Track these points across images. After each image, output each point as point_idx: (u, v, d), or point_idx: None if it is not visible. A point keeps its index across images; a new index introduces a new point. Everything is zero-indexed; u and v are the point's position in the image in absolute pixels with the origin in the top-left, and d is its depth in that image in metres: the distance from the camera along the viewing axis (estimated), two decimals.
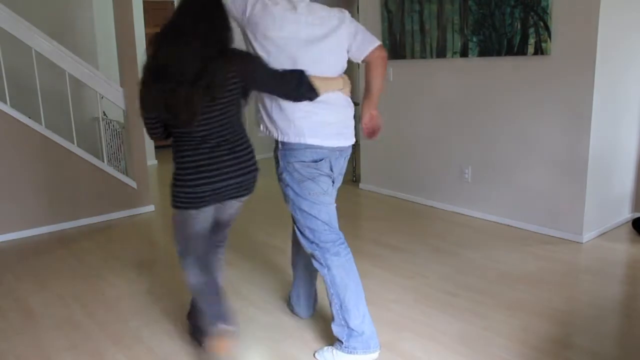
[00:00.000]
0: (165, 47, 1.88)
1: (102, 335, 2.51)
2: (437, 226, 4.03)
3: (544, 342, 2.36)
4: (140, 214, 4.52)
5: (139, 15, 6.28)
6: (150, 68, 1.91)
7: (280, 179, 2.25)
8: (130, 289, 3.03)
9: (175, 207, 2.03)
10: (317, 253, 2.19)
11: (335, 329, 2.22)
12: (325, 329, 2.52)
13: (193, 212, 2.02)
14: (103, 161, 4.44)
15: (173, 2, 7.68)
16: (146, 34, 6.58)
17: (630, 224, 3.88)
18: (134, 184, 4.50)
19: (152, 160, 6.70)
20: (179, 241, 2.15)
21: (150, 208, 4.60)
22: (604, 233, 3.74)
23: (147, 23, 6.68)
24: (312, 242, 2.21)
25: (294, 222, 2.26)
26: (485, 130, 4.03)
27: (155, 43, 1.90)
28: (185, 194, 1.97)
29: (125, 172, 4.66)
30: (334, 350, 2.24)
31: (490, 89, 3.94)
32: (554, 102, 3.57)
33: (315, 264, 2.23)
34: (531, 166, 3.77)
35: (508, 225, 3.95)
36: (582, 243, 3.55)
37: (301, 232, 2.23)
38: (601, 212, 3.69)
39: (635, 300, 2.79)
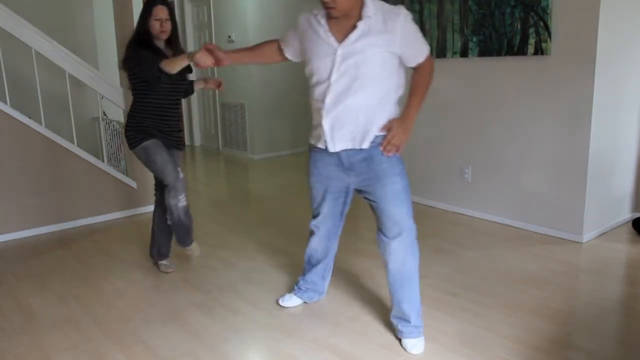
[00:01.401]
0: None
1: (102, 335, 2.51)
2: (437, 226, 4.03)
3: (544, 342, 2.36)
4: (140, 214, 4.52)
5: (139, 16, 6.27)
6: None
7: (397, 172, 2.26)
8: (130, 289, 3.03)
9: None
10: (415, 229, 2.31)
11: (416, 316, 2.34)
12: (325, 329, 2.52)
13: None
14: (103, 161, 4.44)
15: (173, 2, 7.69)
16: None
17: (630, 224, 3.88)
18: (134, 184, 4.50)
19: None
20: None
21: (150, 208, 4.58)
22: (604, 233, 3.74)
23: None
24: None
25: (404, 207, 2.26)
26: (485, 130, 4.03)
27: None
28: None
29: (125, 172, 4.66)
30: (415, 340, 2.32)
31: (490, 89, 3.94)
32: (554, 102, 3.57)
33: (412, 246, 2.29)
34: (531, 166, 3.77)
35: (508, 225, 3.95)
36: (582, 243, 3.55)
37: (410, 212, 2.29)
38: (601, 212, 3.69)
39: (635, 300, 2.79)
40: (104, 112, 4.80)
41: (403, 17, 2.11)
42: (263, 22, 6.75)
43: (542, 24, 3.51)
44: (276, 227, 4.10)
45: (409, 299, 2.32)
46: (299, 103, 7.04)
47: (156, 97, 2.93)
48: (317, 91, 2.21)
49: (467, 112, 4.13)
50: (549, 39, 3.50)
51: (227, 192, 5.55)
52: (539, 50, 3.56)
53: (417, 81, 2.23)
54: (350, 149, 2.22)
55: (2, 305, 2.85)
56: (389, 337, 2.41)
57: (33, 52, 3.95)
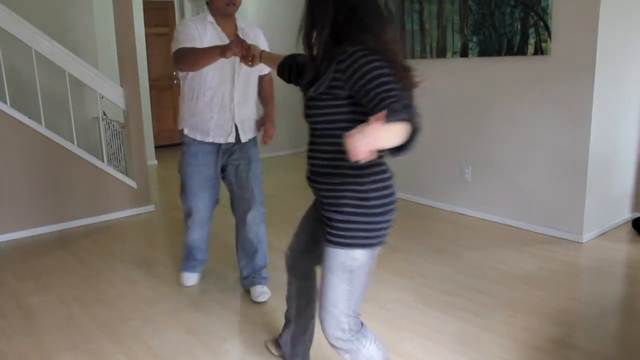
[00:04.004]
0: None
1: (102, 335, 2.51)
2: (437, 226, 4.03)
3: (544, 342, 2.36)
4: (140, 214, 4.51)
5: (139, 15, 6.28)
6: None
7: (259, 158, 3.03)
8: (130, 289, 3.03)
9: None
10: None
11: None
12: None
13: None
14: (103, 161, 4.44)
15: (173, 2, 7.67)
16: (146, 34, 6.57)
17: (630, 224, 3.88)
18: (134, 184, 4.50)
19: (152, 160, 6.70)
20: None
21: (150, 208, 4.60)
22: (604, 233, 3.74)
23: (147, 23, 6.67)
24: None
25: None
26: (485, 130, 4.03)
27: None
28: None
29: (125, 172, 4.66)
30: (263, 287, 2.83)
31: (490, 89, 3.94)
32: (554, 102, 3.57)
33: (264, 214, 3.01)
34: (531, 166, 3.77)
35: (508, 225, 3.95)
36: (582, 243, 3.55)
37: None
38: (601, 212, 3.69)
39: (635, 300, 2.79)
40: (104, 112, 4.80)
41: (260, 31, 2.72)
42: (264, 22, 6.75)
43: (542, 24, 3.51)
44: (275, 227, 4.09)
45: (264, 255, 2.93)
46: (298, 104, 7.04)
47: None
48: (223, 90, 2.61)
49: (467, 112, 4.13)
50: (549, 39, 3.50)
51: (226, 193, 5.54)
52: (539, 50, 3.55)
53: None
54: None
55: (2, 305, 2.85)
56: (389, 337, 2.41)
57: (33, 52, 3.95)
